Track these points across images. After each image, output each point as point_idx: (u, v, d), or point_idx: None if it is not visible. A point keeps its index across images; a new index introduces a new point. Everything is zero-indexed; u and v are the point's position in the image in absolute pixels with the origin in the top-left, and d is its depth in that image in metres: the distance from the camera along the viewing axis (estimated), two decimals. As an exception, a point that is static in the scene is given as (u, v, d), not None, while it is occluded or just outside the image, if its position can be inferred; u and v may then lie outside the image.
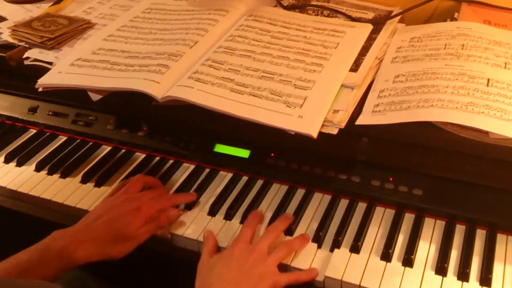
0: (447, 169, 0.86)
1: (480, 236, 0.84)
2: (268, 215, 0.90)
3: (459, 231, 0.85)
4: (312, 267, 0.81)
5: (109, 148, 1.09)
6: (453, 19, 1.11)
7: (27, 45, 1.14)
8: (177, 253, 0.89)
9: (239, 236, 0.84)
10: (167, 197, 0.93)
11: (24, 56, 1.11)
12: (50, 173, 1.03)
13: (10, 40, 1.16)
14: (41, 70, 1.06)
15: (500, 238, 0.83)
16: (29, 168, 1.05)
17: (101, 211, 0.87)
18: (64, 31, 1.15)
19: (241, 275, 0.77)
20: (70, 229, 0.84)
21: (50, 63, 1.08)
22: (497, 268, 0.78)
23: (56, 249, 0.79)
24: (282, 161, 0.95)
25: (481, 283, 0.77)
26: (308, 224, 0.88)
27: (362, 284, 0.78)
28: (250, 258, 0.79)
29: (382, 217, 0.89)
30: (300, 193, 0.94)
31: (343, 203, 0.92)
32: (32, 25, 1.17)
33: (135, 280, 1.00)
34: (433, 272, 0.79)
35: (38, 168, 1.05)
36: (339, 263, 0.81)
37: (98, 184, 1.00)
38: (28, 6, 1.34)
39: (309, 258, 0.82)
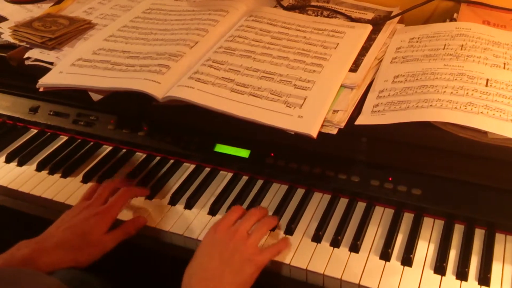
0: (446, 169, 0.86)
1: (478, 236, 0.84)
2: (268, 215, 0.90)
3: (458, 230, 0.85)
4: (285, 237, 0.85)
5: (110, 148, 1.09)
6: (452, 19, 1.11)
7: (28, 45, 1.14)
8: (177, 253, 0.90)
9: (221, 220, 0.85)
10: (124, 192, 0.92)
11: (25, 56, 1.11)
12: (51, 172, 1.04)
13: (11, 40, 1.16)
14: (42, 70, 1.06)
15: (499, 238, 0.83)
16: (30, 168, 1.06)
17: (63, 220, 0.88)
18: (65, 31, 1.15)
19: (223, 263, 0.78)
20: (34, 238, 0.84)
21: (51, 63, 1.08)
22: (496, 268, 0.79)
23: (20, 257, 0.79)
24: (282, 161, 0.96)
25: (480, 283, 0.77)
26: (307, 223, 0.89)
27: (361, 283, 0.78)
28: (230, 243, 0.80)
29: (381, 216, 0.89)
30: (300, 192, 0.95)
31: (343, 203, 0.92)
32: (33, 25, 1.17)
33: (135, 279, 1.01)
34: (432, 271, 0.79)
35: (39, 168, 1.05)
36: (339, 262, 0.82)
37: (98, 184, 1.00)
38: (28, 6, 1.35)
39: (309, 257, 0.83)
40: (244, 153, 0.99)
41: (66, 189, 1.00)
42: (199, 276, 0.77)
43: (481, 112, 0.83)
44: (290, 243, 0.84)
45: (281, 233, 0.87)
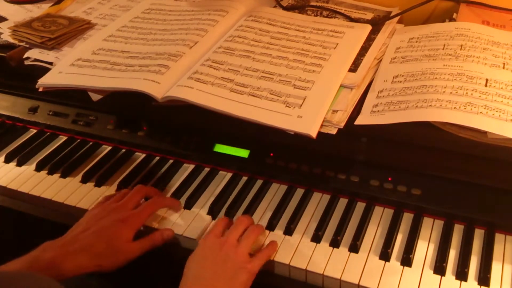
0: (445, 169, 0.86)
1: (478, 236, 0.84)
2: (268, 215, 0.90)
3: (458, 230, 0.85)
4: (272, 241, 0.85)
5: (109, 148, 1.09)
6: (451, 19, 1.11)
7: (27, 45, 1.14)
8: (177, 252, 0.90)
9: (210, 231, 0.85)
10: (156, 201, 0.92)
11: (25, 56, 1.11)
12: (51, 172, 1.04)
13: (11, 40, 1.16)
14: (42, 70, 1.06)
15: (499, 238, 0.83)
16: (29, 168, 1.06)
17: (89, 221, 0.86)
18: (64, 31, 1.15)
19: (216, 272, 0.78)
20: (59, 240, 0.83)
21: (51, 63, 1.08)
22: (496, 268, 0.79)
23: (45, 261, 0.79)
24: (282, 161, 0.95)
25: (480, 283, 0.77)
26: (307, 223, 0.89)
27: (361, 283, 0.78)
28: (221, 252, 0.80)
29: (381, 216, 0.89)
30: (299, 192, 0.95)
31: (342, 203, 0.92)
32: (32, 25, 1.17)
33: (135, 279, 1.00)
34: (432, 272, 0.79)
35: (39, 168, 1.05)
36: (338, 262, 0.82)
37: (98, 184, 1.00)
38: (28, 6, 1.35)
39: (308, 257, 0.83)
40: (243, 153, 0.98)
41: (65, 189, 0.99)
42: (195, 285, 0.77)
43: (481, 112, 0.83)
44: (277, 246, 0.84)
45: (280, 233, 0.87)
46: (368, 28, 1.08)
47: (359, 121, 0.88)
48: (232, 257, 0.80)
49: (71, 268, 0.80)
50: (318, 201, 0.93)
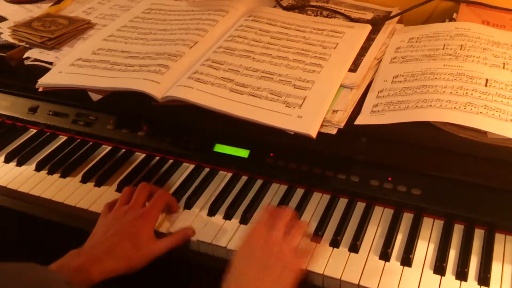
0: (445, 169, 0.86)
1: (478, 236, 0.84)
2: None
3: (458, 230, 0.85)
4: (313, 240, 0.84)
5: (109, 148, 1.09)
6: (451, 19, 1.11)
7: (27, 45, 1.14)
8: (176, 252, 0.90)
9: (255, 226, 0.83)
10: (162, 194, 0.92)
11: (25, 56, 1.11)
12: (50, 172, 1.03)
13: (11, 40, 1.16)
14: (42, 70, 1.06)
15: (499, 238, 0.83)
16: (29, 168, 1.06)
17: (106, 225, 0.86)
18: (64, 31, 1.15)
19: (262, 269, 0.76)
20: (84, 247, 0.83)
21: (50, 63, 1.08)
22: (495, 268, 0.79)
23: (72, 268, 0.78)
24: (282, 161, 0.95)
25: (479, 283, 0.77)
26: (307, 223, 0.89)
27: (361, 283, 0.78)
28: (266, 250, 0.78)
29: (381, 216, 0.89)
30: (299, 192, 0.95)
31: (342, 203, 0.92)
32: (32, 25, 1.17)
33: (135, 279, 1.00)
34: (432, 272, 0.79)
35: (38, 168, 1.05)
36: (338, 262, 0.81)
37: (98, 184, 1.00)
38: (28, 6, 1.35)
39: (308, 257, 0.83)
40: (243, 153, 0.98)
41: (65, 189, 0.99)
42: (238, 282, 0.76)
43: (481, 112, 0.83)
44: (320, 240, 0.84)
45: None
46: (368, 28, 1.08)
47: (359, 121, 0.88)
48: (279, 256, 0.78)
49: (99, 273, 0.79)
50: (318, 201, 0.93)
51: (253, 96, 0.91)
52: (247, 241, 0.81)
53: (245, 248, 0.80)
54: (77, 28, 1.18)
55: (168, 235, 0.87)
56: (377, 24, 1.10)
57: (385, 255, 0.82)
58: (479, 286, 0.77)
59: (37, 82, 1.02)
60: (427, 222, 0.87)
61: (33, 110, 1.15)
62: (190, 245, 0.89)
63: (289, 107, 0.88)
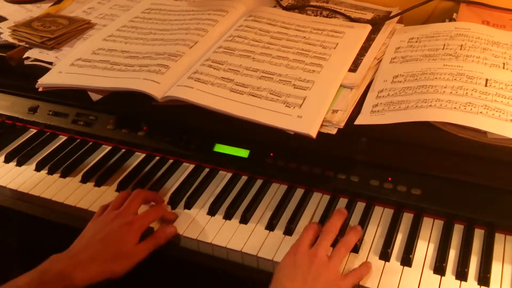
0: (445, 169, 0.86)
1: (478, 236, 0.84)
2: (268, 215, 0.90)
3: (458, 230, 0.85)
4: (366, 261, 0.81)
5: (109, 148, 1.09)
6: (451, 19, 1.11)
7: (27, 45, 1.14)
8: (176, 252, 0.90)
9: (300, 241, 0.81)
10: (158, 209, 0.92)
11: (24, 56, 1.11)
12: (50, 172, 1.04)
13: (10, 40, 1.16)
14: (41, 70, 1.06)
15: (498, 238, 0.83)
16: (29, 168, 1.06)
17: (94, 229, 0.86)
18: (64, 31, 1.15)
19: (306, 286, 0.75)
20: (67, 251, 0.83)
21: (50, 63, 1.08)
22: (495, 268, 0.79)
23: (54, 272, 0.78)
24: (281, 161, 0.95)
25: (479, 283, 0.77)
26: (307, 223, 0.88)
27: (361, 283, 0.78)
28: (312, 267, 0.77)
29: (380, 216, 0.89)
30: (299, 192, 0.95)
31: (342, 203, 0.92)
32: (32, 25, 1.17)
33: (135, 279, 1.01)
34: (432, 272, 0.79)
35: (38, 168, 1.05)
36: (338, 262, 0.82)
37: (98, 184, 1.00)
38: (28, 6, 1.35)
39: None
40: (243, 153, 0.98)
41: (65, 189, 0.99)
42: None
43: (481, 112, 0.83)
44: (371, 267, 0.80)
45: (279, 233, 0.87)
46: (368, 28, 1.08)
47: (359, 121, 0.88)
48: (324, 274, 0.76)
49: (82, 278, 0.79)
50: (318, 201, 0.93)
51: (253, 96, 0.91)
52: (292, 257, 0.79)
53: (289, 263, 0.78)
54: (77, 28, 1.18)
55: (148, 236, 0.87)
56: (377, 24, 1.10)
57: (385, 255, 0.82)
58: (479, 286, 0.77)
59: (37, 82, 1.02)
60: (427, 222, 0.87)
61: (33, 110, 1.15)
62: (190, 245, 0.89)
63: (289, 107, 0.88)
